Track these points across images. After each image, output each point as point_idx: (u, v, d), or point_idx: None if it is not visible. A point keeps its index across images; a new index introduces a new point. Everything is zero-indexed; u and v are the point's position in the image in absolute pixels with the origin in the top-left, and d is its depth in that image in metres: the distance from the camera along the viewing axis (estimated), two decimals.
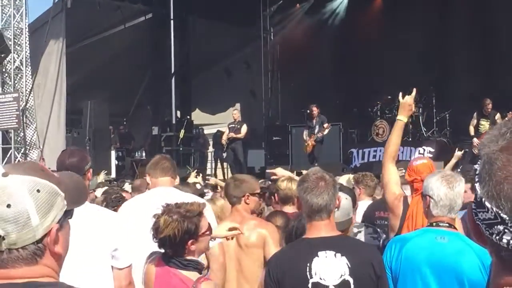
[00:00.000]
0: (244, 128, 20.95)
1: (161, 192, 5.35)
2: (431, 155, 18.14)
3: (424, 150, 19.38)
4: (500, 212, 1.31)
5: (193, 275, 4.04)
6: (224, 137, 21.30)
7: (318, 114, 19.92)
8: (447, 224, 4.16)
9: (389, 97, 21.03)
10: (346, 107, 23.85)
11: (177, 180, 5.84)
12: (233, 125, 21.19)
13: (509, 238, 1.31)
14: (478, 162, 1.42)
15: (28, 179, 1.93)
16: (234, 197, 5.92)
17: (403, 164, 7.72)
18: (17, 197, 1.89)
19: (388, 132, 20.34)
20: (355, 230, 6.02)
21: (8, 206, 1.87)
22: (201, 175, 15.40)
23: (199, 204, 4.27)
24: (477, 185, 1.39)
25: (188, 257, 4.06)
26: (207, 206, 6.01)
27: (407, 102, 5.61)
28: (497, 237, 1.33)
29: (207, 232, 4.13)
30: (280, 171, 7.88)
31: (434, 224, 4.25)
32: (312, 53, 25.89)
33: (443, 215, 4.21)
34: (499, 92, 19.04)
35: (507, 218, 1.31)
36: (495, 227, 1.33)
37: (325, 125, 19.40)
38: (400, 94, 5.88)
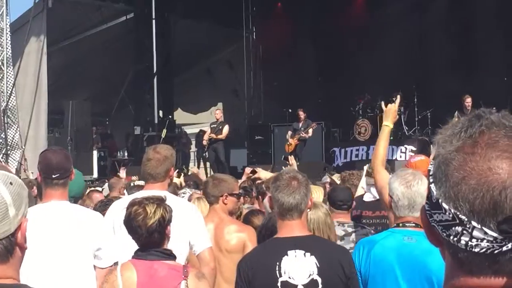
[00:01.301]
0: (226, 129, 20.96)
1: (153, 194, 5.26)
2: (412, 154, 18.19)
3: (406, 148, 19.45)
4: (458, 213, 1.30)
5: (177, 263, 4.08)
6: (206, 137, 21.29)
7: (305, 118, 20.17)
8: (414, 224, 4.14)
9: (369, 96, 21.13)
10: (328, 106, 23.91)
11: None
12: (215, 125, 21.18)
13: (467, 239, 1.30)
14: (431, 163, 1.40)
15: (0, 173, 1.92)
16: (212, 196, 5.91)
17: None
18: None
19: (370, 131, 20.47)
20: (350, 229, 6.04)
21: None
22: (182, 175, 15.35)
23: (160, 195, 4.28)
24: (432, 186, 1.37)
25: (166, 247, 4.08)
26: (191, 203, 6.02)
27: (391, 109, 5.61)
28: (455, 239, 1.31)
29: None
30: (263, 174, 7.87)
31: (400, 224, 4.23)
32: (294, 52, 25.91)
33: (404, 215, 4.20)
34: (480, 90, 19.13)
35: (466, 219, 1.29)
36: (453, 228, 1.31)
37: (312, 124, 19.62)
38: (383, 103, 5.88)
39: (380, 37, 23.26)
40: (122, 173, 12.38)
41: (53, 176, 4.57)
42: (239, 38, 28.07)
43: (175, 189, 7.98)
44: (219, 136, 20.82)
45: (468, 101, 17.78)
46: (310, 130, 19.80)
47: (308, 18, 26.49)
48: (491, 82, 20.46)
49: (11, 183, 1.94)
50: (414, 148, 19.35)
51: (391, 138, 19.46)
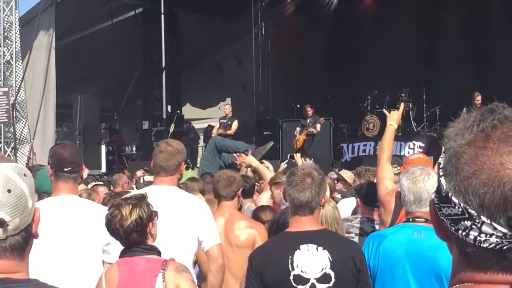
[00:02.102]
0: (234, 124, 20.87)
1: (161, 190, 5.17)
2: (421, 150, 18.17)
3: (414, 144, 19.41)
4: (468, 207, 1.29)
5: (158, 257, 4.07)
6: (214, 132, 21.21)
7: (312, 114, 20.13)
8: (424, 219, 4.13)
9: (377, 92, 21.11)
10: (337, 102, 23.87)
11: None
12: (224, 121, 21.10)
13: (476, 234, 1.29)
14: (442, 156, 1.40)
15: (13, 165, 1.97)
16: (225, 194, 5.95)
17: (395, 160, 7.69)
18: (14, 181, 1.92)
19: (379, 127, 20.43)
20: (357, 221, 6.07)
21: (9, 191, 1.90)
22: (190, 170, 15.39)
23: (141, 193, 4.29)
24: (442, 179, 1.36)
25: (148, 244, 4.08)
26: (201, 199, 6.02)
27: (396, 113, 5.76)
28: (464, 233, 1.31)
29: (156, 217, 4.12)
30: (249, 159, 7.87)
31: (410, 219, 4.23)
32: (303, 47, 25.87)
33: (410, 210, 4.21)
34: (489, 87, 19.08)
35: (475, 214, 1.28)
36: (462, 222, 1.31)
37: (319, 119, 19.57)
38: (384, 109, 6.01)
39: (389, 32, 23.20)
40: (140, 172, 12.44)
41: (65, 170, 4.56)
42: (247, 33, 28.04)
43: (202, 186, 7.99)
44: (228, 132, 20.76)
45: (478, 99, 17.72)
46: (318, 126, 19.78)
47: (317, 13, 26.43)
48: (502, 80, 20.37)
49: (25, 175, 1.96)
50: (422, 144, 19.32)
51: (399, 134, 19.57)
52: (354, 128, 22.74)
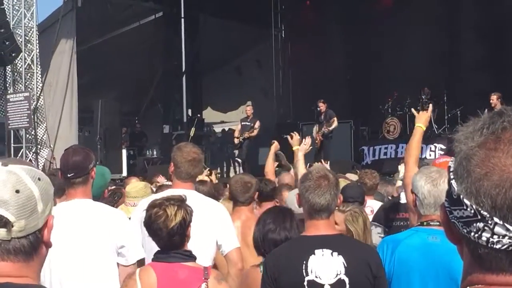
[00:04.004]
0: (257, 124, 20.76)
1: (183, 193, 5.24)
2: (442, 152, 18.09)
3: (436, 147, 19.33)
4: (480, 209, 1.29)
5: (197, 264, 4.04)
6: (236, 134, 21.11)
7: (326, 109, 19.88)
8: (438, 223, 4.03)
9: (396, 94, 21.05)
10: (357, 104, 23.82)
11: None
12: (247, 123, 20.98)
13: (488, 235, 1.29)
14: (452, 160, 1.40)
15: (28, 168, 1.96)
16: (242, 200, 6.10)
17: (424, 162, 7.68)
18: (24, 183, 1.90)
19: (399, 130, 20.37)
20: None
21: (17, 191, 1.88)
22: (213, 173, 15.36)
23: (180, 194, 4.26)
24: (453, 182, 1.36)
25: (186, 248, 4.05)
26: (220, 203, 6.02)
27: (425, 114, 5.68)
28: (476, 235, 1.31)
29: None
30: (295, 144, 7.84)
31: (425, 223, 4.17)
32: (323, 50, 25.86)
33: (429, 213, 4.14)
34: (511, 89, 18.93)
35: (487, 215, 1.29)
36: (474, 224, 1.31)
37: (331, 120, 19.38)
38: (414, 110, 5.92)
39: (409, 34, 23.12)
40: (161, 179, 12.43)
41: (68, 175, 4.58)
42: (268, 36, 28.07)
43: (211, 188, 7.96)
44: (252, 134, 20.65)
45: (493, 98, 17.52)
46: (332, 125, 19.48)
47: (336, 15, 26.40)
48: None
49: (39, 179, 1.95)
50: (443, 147, 19.22)
51: None
52: (375, 130, 22.69)
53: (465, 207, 1.32)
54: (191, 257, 4.05)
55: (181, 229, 3.96)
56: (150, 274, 4.00)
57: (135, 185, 7.44)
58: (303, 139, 7.71)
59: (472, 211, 1.30)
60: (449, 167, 1.40)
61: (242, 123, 21.12)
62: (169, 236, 3.96)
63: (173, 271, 3.97)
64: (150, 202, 4.14)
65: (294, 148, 7.94)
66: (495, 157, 1.29)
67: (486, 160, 1.30)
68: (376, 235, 5.94)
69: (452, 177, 1.37)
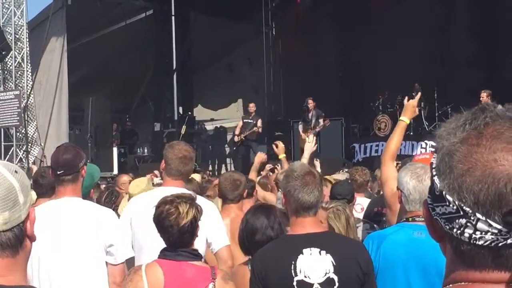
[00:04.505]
0: (259, 122, 20.61)
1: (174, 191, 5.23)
2: (433, 149, 18.03)
3: (426, 144, 19.36)
4: (462, 205, 1.29)
5: (204, 264, 4.07)
6: (237, 131, 20.88)
7: (314, 107, 19.83)
8: (423, 219, 4.06)
9: (388, 92, 21.08)
10: (348, 101, 23.85)
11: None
12: (249, 120, 20.76)
13: (471, 231, 1.29)
14: (434, 156, 1.40)
15: (3, 162, 1.98)
16: (232, 197, 6.11)
17: (405, 160, 7.66)
18: (3, 175, 1.90)
19: (390, 127, 20.38)
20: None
21: None
22: (200, 174, 15.32)
23: (189, 193, 4.30)
24: (435, 178, 1.36)
25: (193, 247, 4.04)
26: (210, 201, 6.03)
27: (411, 104, 5.55)
28: (459, 231, 1.31)
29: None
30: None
31: (410, 219, 4.18)
32: (314, 47, 25.84)
33: (414, 209, 4.14)
34: (501, 85, 18.98)
35: (470, 211, 1.28)
36: (457, 221, 1.31)
37: (324, 121, 19.35)
38: (406, 98, 5.81)
39: (400, 32, 23.12)
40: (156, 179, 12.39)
41: (58, 173, 4.59)
42: (258, 34, 28.02)
43: (197, 187, 7.97)
44: (255, 131, 20.37)
45: (483, 95, 17.51)
46: (321, 125, 19.42)
47: (327, 13, 26.40)
48: None
49: (16, 172, 1.95)
50: (434, 144, 19.14)
51: (411, 133, 19.52)
52: (366, 128, 22.69)
53: (447, 203, 1.32)
54: (198, 256, 4.05)
55: (192, 227, 3.95)
56: (156, 271, 3.97)
57: (137, 185, 7.37)
58: (307, 138, 7.72)
59: (455, 207, 1.30)
60: (432, 163, 1.40)
61: (244, 120, 20.94)
62: (180, 233, 3.95)
63: (180, 269, 3.96)
64: (161, 199, 4.10)
65: (280, 157, 7.98)
66: (477, 152, 1.29)
67: (469, 155, 1.30)
68: (364, 231, 5.96)
69: (434, 173, 1.37)
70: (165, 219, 3.96)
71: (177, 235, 3.96)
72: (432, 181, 1.38)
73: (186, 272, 3.95)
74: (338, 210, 5.39)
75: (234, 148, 21.98)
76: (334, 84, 25.33)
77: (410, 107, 5.58)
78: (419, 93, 5.82)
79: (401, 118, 5.56)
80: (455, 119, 1.38)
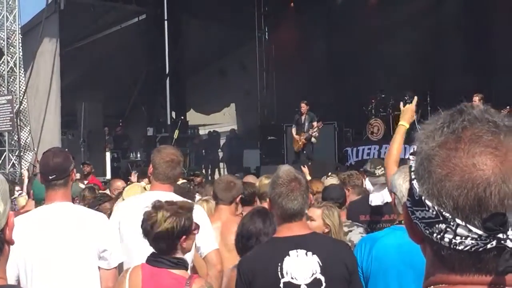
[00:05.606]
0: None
1: (160, 196, 5.22)
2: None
3: None
4: (442, 210, 1.28)
5: (183, 273, 3.99)
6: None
7: (307, 110, 19.54)
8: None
9: (382, 95, 21.08)
10: (341, 105, 23.85)
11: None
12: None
13: (451, 237, 1.29)
14: (413, 159, 1.38)
15: None
16: (222, 197, 6.01)
17: (378, 161, 7.61)
18: None
19: (383, 131, 20.42)
20: (346, 229, 6.01)
21: None
22: (199, 178, 15.35)
23: (190, 202, 4.28)
24: (414, 182, 1.35)
25: (177, 256, 4.00)
26: (198, 205, 6.02)
27: (409, 108, 5.55)
28: (438, 236, 1.30)
29: (195, 231, 4.07)
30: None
31: (402, 222, 4.18)
32: (307, 52, 25.87)
33: None
34: (495, 89, 19.04)
35: (450, 217, 1.28)
36: (436, 225, 1.30)
37: (317, 123, 19.11)
38: (401, 103, 5.82)
39: (393, 36, 23.18)
40: (134, 177, 12.36)
41: (50, 178, 4.56)
42: (251, 38, 28.01)
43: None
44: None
45: (475, 99, 17.48)
46: (316, 130, 19.01)
47: (320, 17, 26.43)
48: (506, 82, 20.30)
49: None
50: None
51: (404, 137, 19.49)
52: (359, 132, 22.71)
53: (427, 209, 1.31)
54: (179, 265, 3.99)
55: (168, 237, 3.90)
56: (137, 275, 3.98)
57: (132, 191, 7.30)
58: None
59: (434, 213, 1.29)
60: (410, 166, 1.38)
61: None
62: (154, 240, 3.94)
63: (158, 276, 3.94)
64: (153, 202, 4.09)
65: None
66: (456, 157, 1.28)
67: (447, 160, 1.29)
68: (358, 235, 5.95)
69: (413, 177, 1.36)
70: (144, 222, 3.96)
71: (152, 241, 3.96)
72: (411, 185, 1.36)
73: (160, 280, 3.93)
74: (331, 206, 5.51)
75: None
76: (327, 88, 25.33)
77: (409, 111, 5.57)
78: (416, 97, 5.80)
79: (400, 122, 5.57)
80: (433, 121, 1.36)
